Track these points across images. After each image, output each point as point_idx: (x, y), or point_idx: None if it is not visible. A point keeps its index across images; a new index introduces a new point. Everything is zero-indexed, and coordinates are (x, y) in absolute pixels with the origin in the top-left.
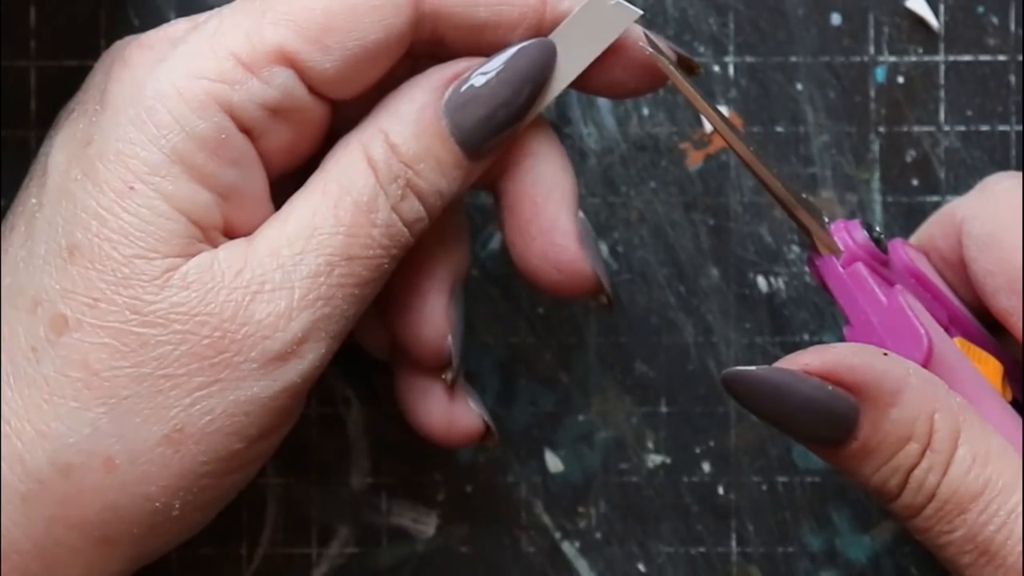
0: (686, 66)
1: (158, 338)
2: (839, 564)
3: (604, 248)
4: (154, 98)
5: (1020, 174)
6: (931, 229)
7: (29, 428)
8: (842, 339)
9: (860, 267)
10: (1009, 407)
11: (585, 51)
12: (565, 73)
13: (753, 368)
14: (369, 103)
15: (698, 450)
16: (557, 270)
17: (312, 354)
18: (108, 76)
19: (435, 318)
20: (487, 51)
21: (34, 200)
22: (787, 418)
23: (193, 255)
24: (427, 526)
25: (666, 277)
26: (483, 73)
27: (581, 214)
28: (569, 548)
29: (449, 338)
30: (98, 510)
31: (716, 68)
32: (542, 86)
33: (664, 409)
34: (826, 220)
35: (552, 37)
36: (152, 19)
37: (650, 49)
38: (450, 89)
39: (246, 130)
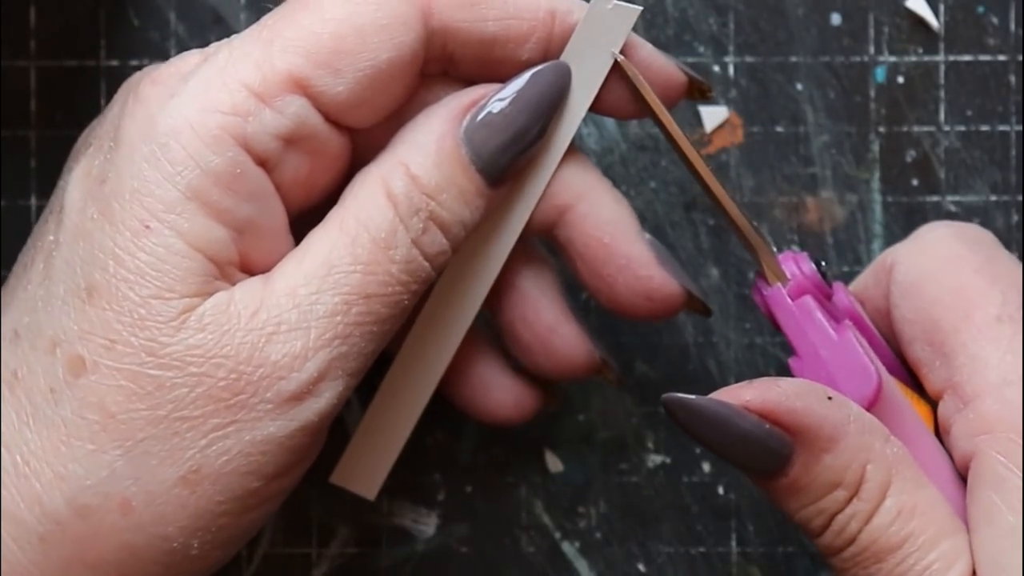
0: (699, 89)
1: (174, 380)
2: None
3: None
4: (167, 134)
5: (955, 224)
6: (866, 276)
7: (48, 470)
8: (788, 370)
9: (809, 300)
10: (943, 450)
11: (598, 64)
12: (584, 93)
13: (694, 398)
14: (389, 135)
15: (698, 450)
16: (649, 300)
17: (329, 392)
18: (122, 112)
19: (573, 339)
20: (497, 66)
21: (52, 237)
22: (723, 448)
23: (210, 294)
24: (427, 526)
25: None
26: (500, 99)
27: (647, 234)
28: (569, 548)
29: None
30: (115, 551)
31: (716, 68)
32: (558, 108)
33: (664, 409)
34: (774, 250)
35: (564, 58)
36: (152, 19)
37: (621, 57)
38: (468, 117)
39: (261, 162)
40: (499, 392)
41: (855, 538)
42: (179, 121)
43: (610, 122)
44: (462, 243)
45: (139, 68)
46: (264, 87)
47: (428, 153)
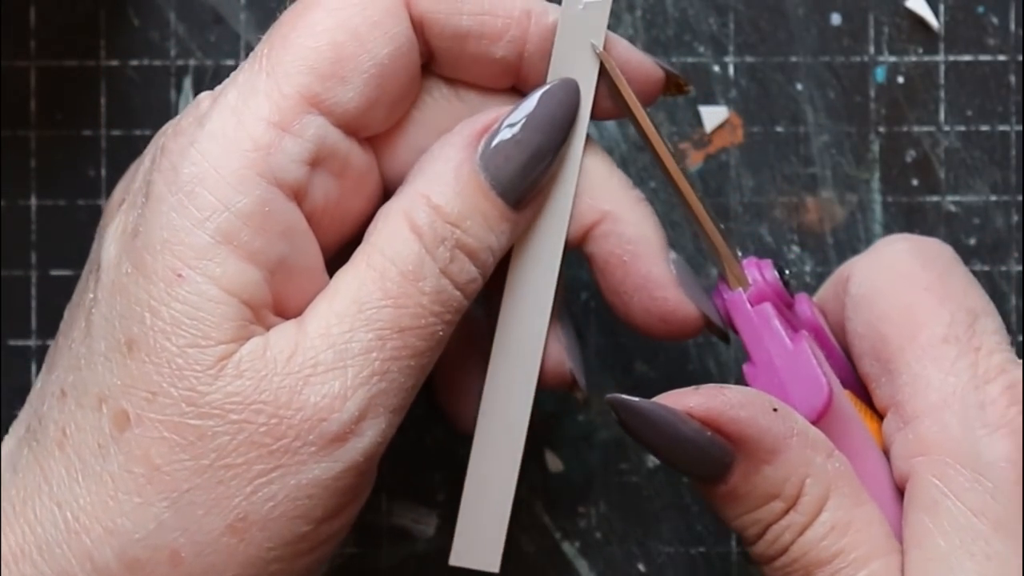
0: (675, 84)
1: (215, 429)
2: None
3: None
4: (192, 182)
5: (914, 238)
6: (827, 287)
7: (97, 526)
8: (741, 376)
9: (768, 307)
10: (889, 466)
11: (586, 66)
12: (585, 98)
13: (637, 400)
14: (412, 153)
15: None
16: (663, 321)
17: (372, 431)
18: (152, 167)
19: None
20: (471, 63)
21: (91, 295)
22: (663, 452)
23: (246, 339)
24: (427, 526)
25: None
26: (511, 123)
27: (674, 254)
28: (569, 548)
29: (568, 362)
30: None
31: (716, 68)
32: (572, 125)
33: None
34: (739, 254)
35: (552, 70)
36: (152, 19)
37: (606, 56)
38: (482, 143)
39: (291, 193)
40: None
41: (787, 549)
42: (202, 167)
43: (610, 122)
44: (493, 267)
45: (139, 68)
46: (280, 116)
47: (447, 182)
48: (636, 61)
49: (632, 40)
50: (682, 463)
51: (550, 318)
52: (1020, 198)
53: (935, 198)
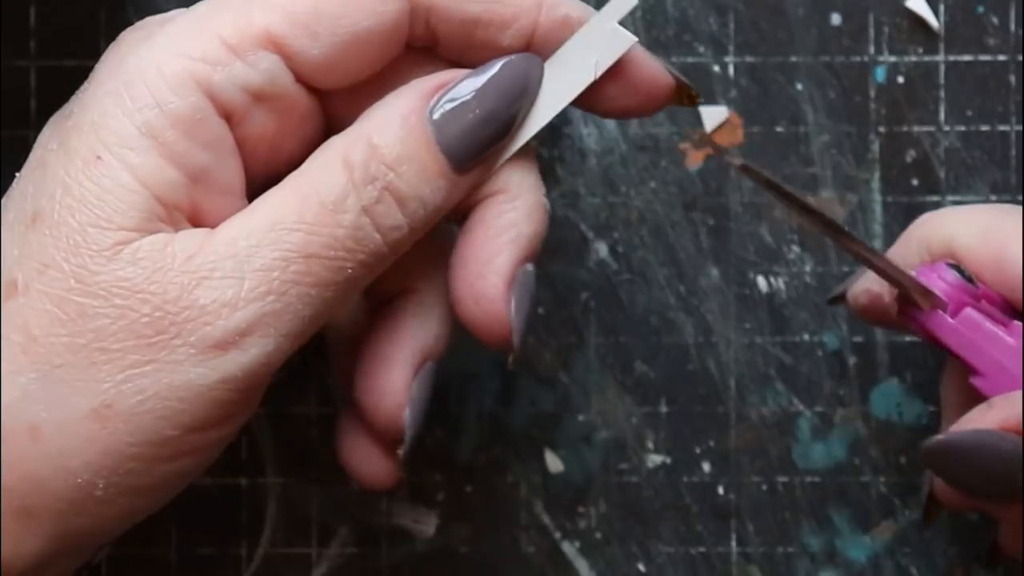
0: (687, 95)
1: (97, 310)
2: (839, 564)
3: (604, 248)
4: (133, 73)
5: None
6: (972, 252)
7: None
8: (971, 390)
9: (971, 312)
10: None
11: (581, 75)
12: (559, 95)
13: (949, 436)
14: (364, 108)
15: (698, 450)
16: (476, 304)
17: (256, 348)
18: (103, 57)
19: (394, 389)
20: (478, 50)
21: (18, 174)
22: (994, 478)
23: (150, 232)
24: (427, 526)
25: (666, 277)
26: (469, 84)
27: (530, 267)
28: (569, 548)
29: (406, 413)
30: (18, 478)
31: (716, 68)
32: (527, 101)
33: (664, 409)
34: (914, 273)
35: (551, 59)
36: None
37: (601, 69)
38: (436, 97)
39: (226, 114)
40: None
41: None
42: (147, 62)
43: (610, 122)
44: (422, 225)
45: None
46: (238, 40)
47: (392, 126)
48: (647, 67)
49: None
50: (1012, 488)
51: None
52: (1020, 198)
53: (935, 198)
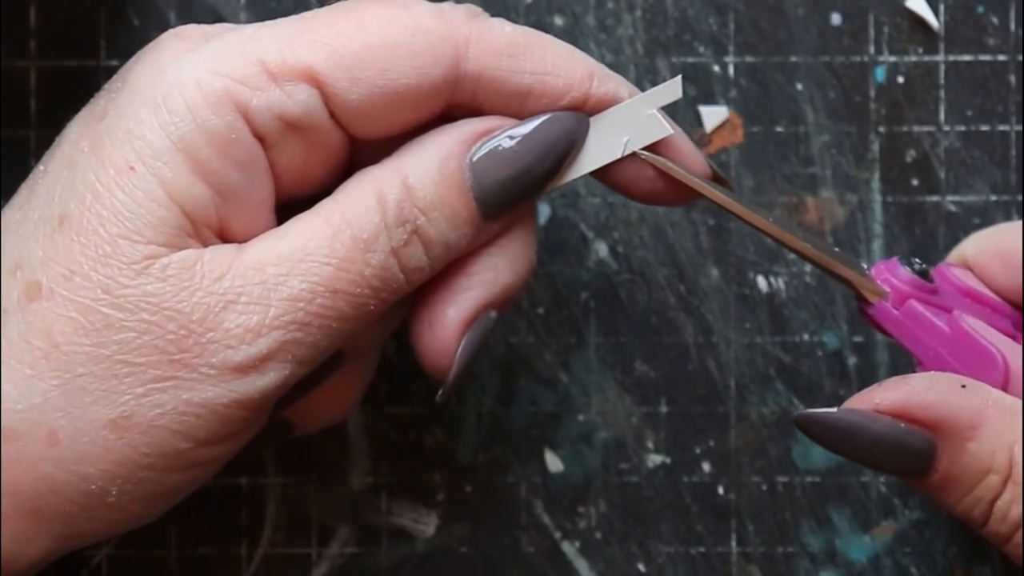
0: (720, 180)
1: (123, 323)
2: (839, 564)
3: (604, 248)
4: (173, 85)
5: None
6: (985, 261)
7: None
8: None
9: (913, 303)
10: None
11: (608, 149)
12: (591, 159)
13: (825, 411)
14: (393, 147)
15: (698, 450)
16: (429, 326)
17: (274, 373)
18: (139, 57)
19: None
20: (525, 116)
21: (42, 167)
22: (862, 454)
23: (179, 248)
24: (427, 526)
25: (666, 277)
26: (512, 135)
27: (494, 314)
28: (569, 548)
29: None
30: (33, 481)
31: (716, 68)
32: (568, 158)
33: (664, 409)
34: (864, 267)
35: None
36: (152, 19)
37: (646, 155)
38: (478, 144)
39: (260, 137)
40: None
41: (1020, 521)
42: (187, 76)
43: None
44: (442, 265)
45: None
46: (280, 68)
47: (430, 168)
48: (687, 152)
49: (632, 40)
50: (887, 463)
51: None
52: (1020, 198)
53: (935, 198)
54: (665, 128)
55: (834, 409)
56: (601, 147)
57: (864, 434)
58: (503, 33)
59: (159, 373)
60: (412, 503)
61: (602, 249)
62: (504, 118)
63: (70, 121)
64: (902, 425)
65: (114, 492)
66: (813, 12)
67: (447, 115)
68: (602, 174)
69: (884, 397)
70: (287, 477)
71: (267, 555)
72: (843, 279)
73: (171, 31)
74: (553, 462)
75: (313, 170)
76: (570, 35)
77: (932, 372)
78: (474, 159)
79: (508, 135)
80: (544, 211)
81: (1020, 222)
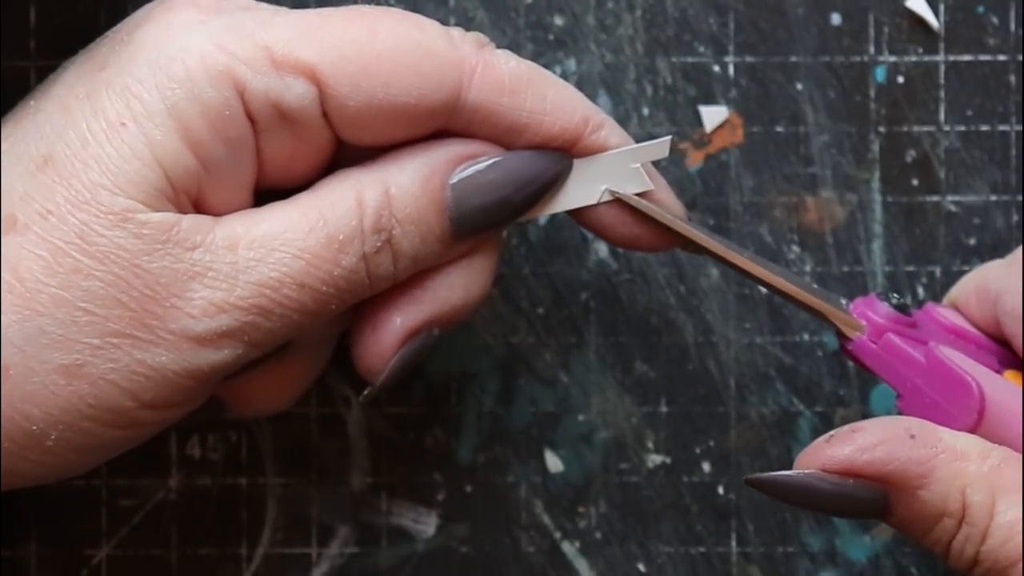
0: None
1: (92, 271)
2: (839, 564)
3: (604, 248)
4: (178, 51)
5: None
6: (966, 295)
7: None
8: (897, 412)
9: (890, 337)
10: None
11: (585, 193)
12: (568, 199)
13: (770, 476)
14: (378, 153)
15: (698, 450)
16: (371, 328)
17: (228, 351)
18: (149, 14)
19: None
20: (513, 147)
21: (32, 103)
22: (817, 508)
23: (157, 210)
24: (427, 526)
25: (666, 277)
26: (496, 164)
27: (436, 331)
28: (569, 548)
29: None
30: None
31: (716, 68)
32: (545, 194)
33: (664, 409)
34: (844, 302)
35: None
36: None
37: (625, 196)
38: (462, 167)
39: (252, 120)
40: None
41: (976, 559)
42: (194, 46)
43: None
44: (405, 277)
45: None
46: (284, 59)
47: (413, 183)
48: (668, 203)
49: (632, 40)
50: (843, 513)
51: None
52: (1020, 198)
53: (935, 198)
54: (645, 183)
55: (784, 473)
56: (580, 190)
57: (815, 492)
58: (507, 68)
59: (118, 328)
60: (412, 503)
61: (602, 249)
62: (491, 145)
63: (67, 60)
64: (850, 482)
65: (53, 437)
66: (813, 12)
67: (437, 136)
68: (580, 216)
69: (831, 456)
70: (287, 477)
71: (267, 555)
72: (821, 315)
73: None
74: (553, 462)
75: (297, 164)
76: (570, 35)
77: (882, 420)
78: (456, 181)
79: (492, 162)
80: None
81: (996, 261)
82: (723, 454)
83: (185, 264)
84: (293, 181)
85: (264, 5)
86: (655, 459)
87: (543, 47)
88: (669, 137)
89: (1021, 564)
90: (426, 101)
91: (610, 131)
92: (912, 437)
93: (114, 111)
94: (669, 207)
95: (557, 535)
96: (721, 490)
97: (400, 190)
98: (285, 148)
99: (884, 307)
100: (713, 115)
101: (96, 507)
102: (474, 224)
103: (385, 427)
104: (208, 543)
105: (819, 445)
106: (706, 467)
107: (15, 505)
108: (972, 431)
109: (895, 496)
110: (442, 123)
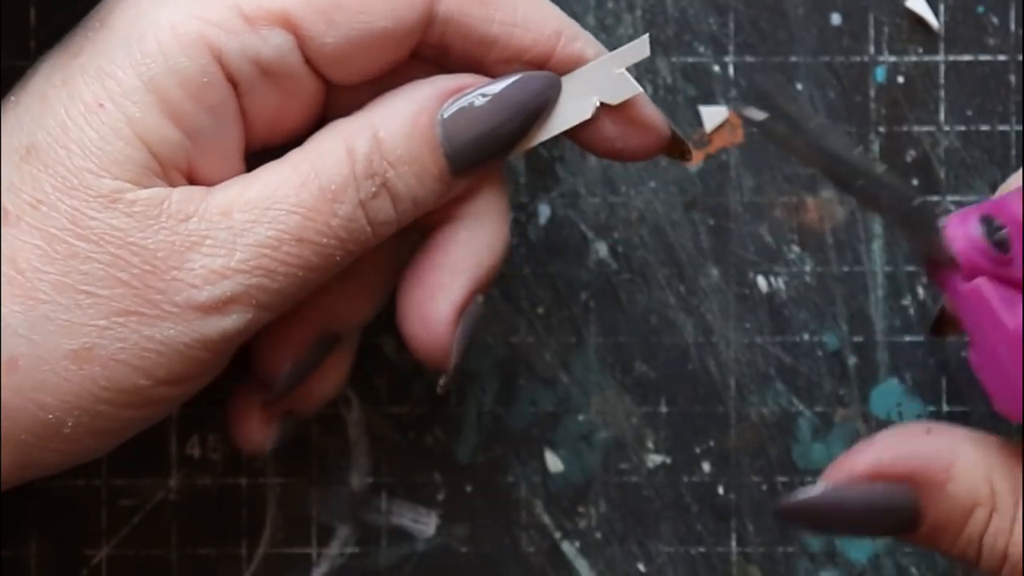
0: (680, 150)
1: (89, 254)
2: (839, 564)
3: (604, 248)
4: (149, 27)
5: None
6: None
7: None
8: (966, 363)
9: (984, 284)
10: None
11: (579, 110)
12: (562, 119)
13: (803, 499)
14: (365, 99)
15: (698, 450)
16: (421, 324)
17: (237, 316)
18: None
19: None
20: (489, 70)
21: (12, 98)
22: (854, 528)
23: (147, 186)
24: (427, 526)
25: (666, 277)
26: (485, 93)
27: (480, 298)
28: (569, 548)
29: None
30: None
31: (716, 68)
32: (539, 118)
33: (664, 409)
34: (940, 222)
35: (567, 79)
36: None
37: (600, 103)
38: (450, 101)
39: (233, 82)
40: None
41: (1006, 553)
42: (163, 19)
43: None
44: (409, 220)
45: None
46: (255, 12)
47: (402, 123)
48: (647, 113)
49: (632, 39)
50: (879, 527)
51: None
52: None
53: (935, 198)
54: (634, 87)
55: (812, 495)
56: (572, 107)
57: (847, 508)
58: None
59: (122, 306)
60: (412, 503)
61: (602, 249)
62: (477, 76)
63: (42, 55)
64: (880, 487)
65: (70, 423)
66: (813, 12)
67: (417, 54)
68: (578, 135)
69: (856, 462)
70: (287, 477)
71: (267, 555)
72: (911, 235)
73: None
74: (553, 462)
75: (285, 119)
76: None
77: (895, 428)
78: (445, 115)
79: (480, 93)
80: (544, 211)
81: None
82: (723, 454)
83: (181, 236)
84: (285, 138)
85: None
86: (655, 459)
87: None
88: (647, 35)
89: None
90: (404, 21)
91: (585, 43)
92: (928, 432)
93: (90, 93)
94: (652, 113)
95: (557, 535)
96: (721, 490)
97: (389, 132)
98: (271, 105)
99: (979, 233)
100: (713, 115)
101: (96, 507)
102: (471, 158)
103: (385, 427)
104: (208, 543)
105: (843, 460)
106: (706, 467)
107: (15, 505)
108: None
109: (925, 497)
110: (417, 41)
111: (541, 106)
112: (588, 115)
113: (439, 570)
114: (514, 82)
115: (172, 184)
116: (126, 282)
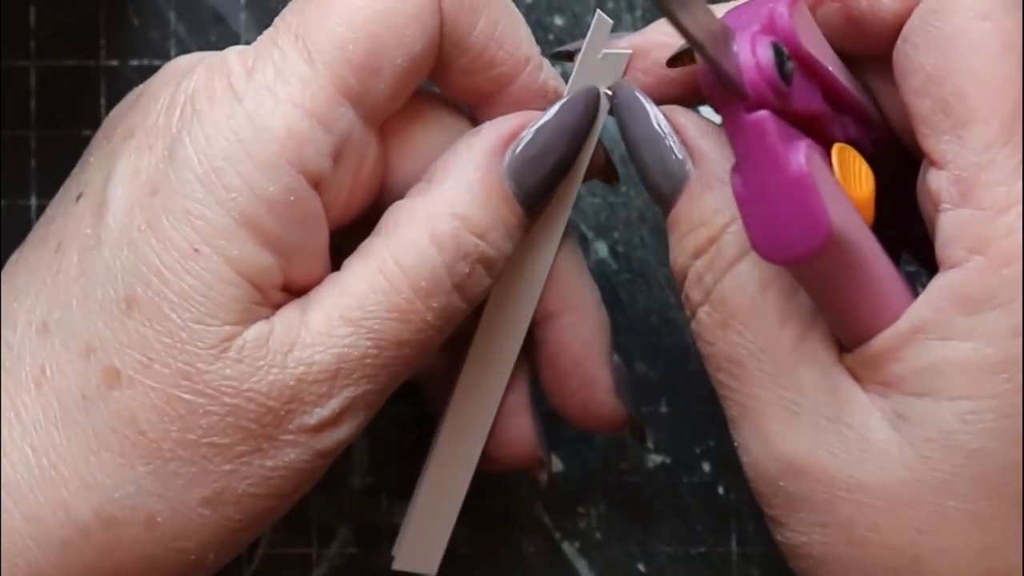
0: (605, 174)
1: (207, 408)
2: None
3: (604, 248)
4: (224, 159)
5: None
6: None
7: (75, 478)
8: (729, 184)
9: (767, 119)
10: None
11: (603, 101)
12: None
13: (628, 89)
14: (414, 147)
15: (698, 450)
16: (597, 419)
17: (349, 423)
18: (181, 123)
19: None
20: (454, 77)
21: (89, 231)
22: (633, 143)
23: (251, 321)
24: None
25: (666, 277)
26: (540, 130)
27: (617, 358)
28: (569, 548)
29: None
30: (135, 562)
31: None
32: (590, 131)
33: (664, 409)
34: (733, 45)
35: (568, 90)
36: (152, 19)
37: (609, 94)
38: (509, 151)
39: (315, 184)
40: (515, 431)
41: (710, 292)
42: (235, 146)
43: (610, 121)
44: (498, 277)
45: (139, 68)
46: (315, 105)
47: (474, 191)
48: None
49: None
50: (645, 162)
51: (515, 382)
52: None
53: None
54: (625, 54)
55: (640, 92)
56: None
57: (644, 123)
58: None
59: (244, 448)
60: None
61: (602, 249)
62: (524, 114)
63: (99, 159)
64: (677, 138)
65: (211, 556)
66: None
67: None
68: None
69: (680, 116)
70: None
71: (267, 555)
72: (707, 58)
73: (202, 91)
74: (553, 462)
75: (358, 194)
76: (570, 35)
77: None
78: (510, 166)
79: (535, 129)
80: None
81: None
82: (723, 454)
83: (288, 371)
84: (358, 211)
85: (249, 52)
86: (655, 459)
87: (543, 47)
88: (598, 11)
89: (739, 317)
90: (434, 33)
91: (547, 75)
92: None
93: (182, 239)
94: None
95: (557, 535)
96: (721, 490)
97: (465, 206)
98: (346, 185)
99: (769, 57)
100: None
101: None
102: (541, 194)
103: (385, 427)
104: None
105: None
106: (706, 467)
107: None
108: (798, 262)
109: (691, 183)
110: (439, 42)
111: (591, 122)
112: (607, 108)
113: (439, 570)
114: (561, 108)
115: (271, 303)
116: (244, 427)
